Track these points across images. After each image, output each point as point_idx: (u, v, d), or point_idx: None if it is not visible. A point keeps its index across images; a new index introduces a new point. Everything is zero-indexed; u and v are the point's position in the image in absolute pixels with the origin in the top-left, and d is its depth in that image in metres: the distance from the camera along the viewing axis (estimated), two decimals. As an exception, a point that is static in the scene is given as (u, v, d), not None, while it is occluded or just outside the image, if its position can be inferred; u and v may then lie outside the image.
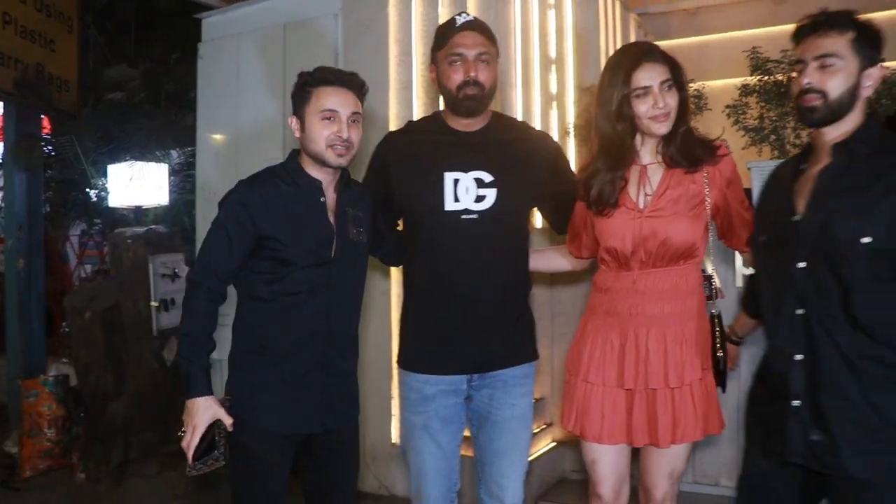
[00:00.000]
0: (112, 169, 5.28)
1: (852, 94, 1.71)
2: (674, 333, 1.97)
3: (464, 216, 2.07)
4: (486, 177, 2.08)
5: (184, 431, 1.90)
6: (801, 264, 1.72)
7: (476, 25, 2.11)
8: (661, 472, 2.06)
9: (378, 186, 2.20)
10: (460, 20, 2.11)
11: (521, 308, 2.21)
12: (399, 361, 2.22)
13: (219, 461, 1.90)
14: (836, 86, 1.70)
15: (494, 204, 2.07)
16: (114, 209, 5.59)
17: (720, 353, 1.99)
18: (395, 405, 3.42)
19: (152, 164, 5.33)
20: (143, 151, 5.74)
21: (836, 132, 1.74)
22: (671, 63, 1.96)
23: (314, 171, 2.00)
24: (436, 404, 2.13)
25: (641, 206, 1.98)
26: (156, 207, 5.50)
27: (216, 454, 1.89)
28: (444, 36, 2.12)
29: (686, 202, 1.97)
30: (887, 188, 1.64)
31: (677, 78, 1.96)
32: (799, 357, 1.72)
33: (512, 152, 2.12)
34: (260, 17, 4.09)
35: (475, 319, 2.11)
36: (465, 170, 2.09)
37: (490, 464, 2.16)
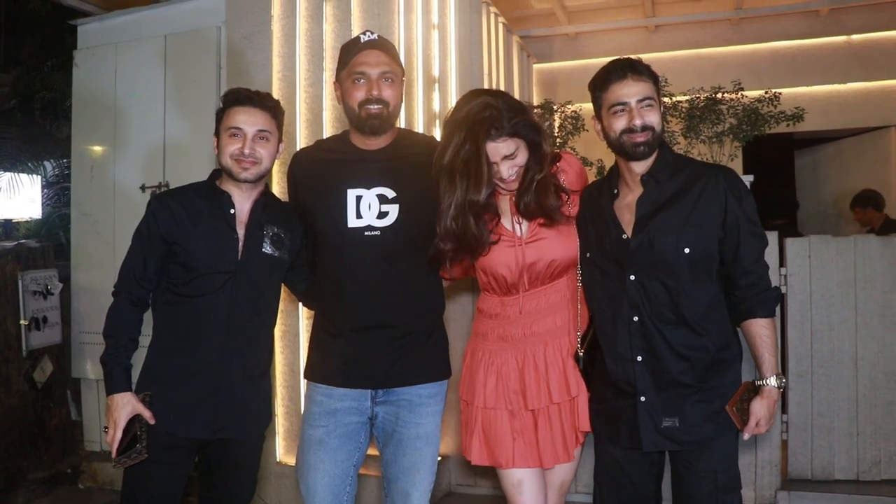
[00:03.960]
0: (-23, 180, 4.98)
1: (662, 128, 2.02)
2: (567, 344, 2.06)
3: (367, 233, 2.07)
4: (389, 193, 2.09)
5: (107, 428, 2.01)
6: (632, 277, 1.97)
7: (379, 44, 2.11)
8: (554, 486, 2.14)
9: (295, 205, 2.24)
10: (364, 38, 2.11)
11: (431, 325, 2.18)
12: (306, 374, 2.22)
13: (141, 454, 2.00)
14: (658, 121, 1.99)
15: (397, 220, 2.07)
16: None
17: (581, 353, 2.06)
18: (280, 423, 3.39)
19: (24, 176, 5.05)
20: (14, 161, 5.42)
21: (644, 164, 2.01)
22: (515, 124, 1.94)
23: (228, 186, 2.15)
24: (336, 420, 2.11)
25: (519, 234, 2.05)
26: (27, 221, 5.20)
27: (138, 447, 2.00)
28: (347, 54, 2.12)
29: (556, 222, 2.06)
30: (693, 201, 1.95)
31: (529, 138, 1.97)
32: (640, 358, 1.97)
33: (416, 169, 2.10)
34: (140, 26, 3.99)
35: (381, 337, 2.10)
36: (368, 186, 2.09)
37: (396, 480, 2.15)
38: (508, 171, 1.97)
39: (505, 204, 2.07)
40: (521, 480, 2.07)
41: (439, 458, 2.93)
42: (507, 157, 1.96)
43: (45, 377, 3.91)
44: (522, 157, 1.98)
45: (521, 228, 2.05)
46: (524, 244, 2.03)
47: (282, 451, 3.41)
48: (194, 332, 2.06)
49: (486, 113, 1.93)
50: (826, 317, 3.27)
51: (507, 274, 2.04)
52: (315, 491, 2.12)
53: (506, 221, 2.06)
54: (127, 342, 2.07)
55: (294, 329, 3.34)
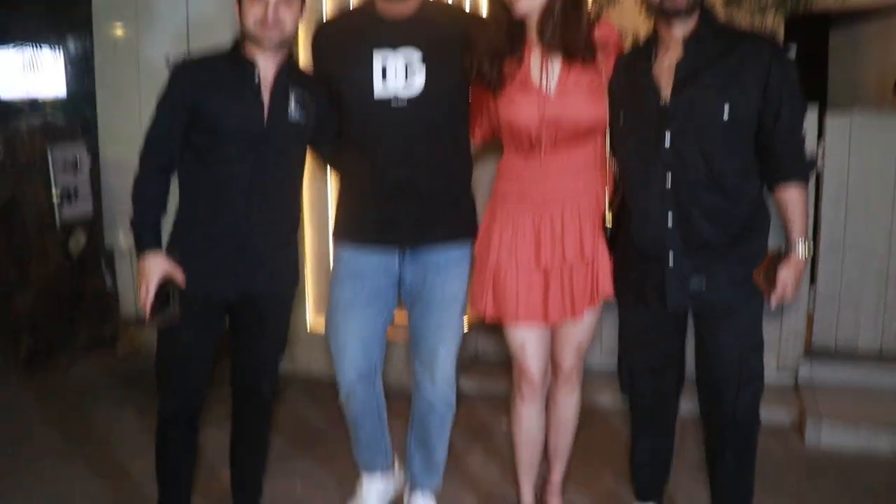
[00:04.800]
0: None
1: None
2: (587, 208, 2.04)
3: (394, 105, 2.05)
4: (416, 54, 2.04)
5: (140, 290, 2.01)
6: (668, 139, 1.93)
7: None
8: (570, 346, 2.17)
9: (321, 76, 2.20)
10: None
11: (458, 192, 2.20)
12: (333, 235, 2.25)
13: (175, 316, 2.00)
14: None
15: (425, 85, 2.04)
16: (5, 102, 5.23)
17: (608, 218, 2.05)
18: (310, 290, 3.46)
19: (47, 52, 4.99)
20: (35, 35, 5.32)
21: (684, 27, 1.92)
22: None
23: (252, 51, 2.09)
24: (363, 280, 2.15)
25: (546, 89, 1.99)
26: (53, 100, 5.17)
27: (171, 309, 1.99)
28: None
29: (587, 82, 2.01)
30: (736, 63, 1.89)
31: None
32: (671, 221, 1.96)
33: (442, 31, 2.07)
34: None
35: (408, 201, 2.10)
36: (394, 47, 2.05)
37: (422, 339, 2.19)
38: None
39: (536, 58, 2.02)
40: (524, 343, 2.12)
41: (466, 328, 2.97)
42: None
43: (79, 248, 3.99)
44: None
45: (548, 84, 1.99)
46: (549, 100, 1.98)
47: (312, 318, 3.49)
48: (220, 197, 2.06)
49: None
50: (863, 192, 3.22)
51: (529, 125, 2.00)
52: (345, 350, 2.18)
53: (535, 74, 2.01)
54: (154, 206, 2.05)
55: (323, 198, 3.35)
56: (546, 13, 1.95)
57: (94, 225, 4.09)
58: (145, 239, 2.02)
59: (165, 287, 2.00)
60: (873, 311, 3.24)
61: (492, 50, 1.99)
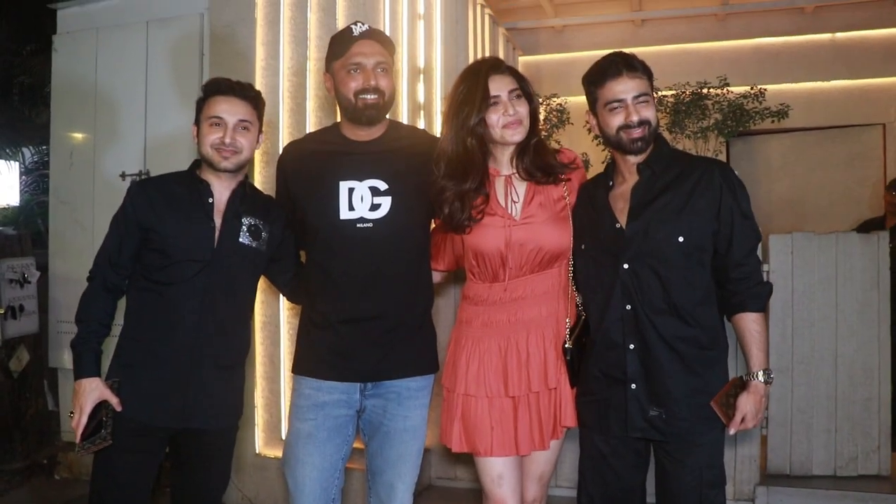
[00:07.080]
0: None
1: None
2: (551, 335, 2.05)
3: (359, 224, 2.07)
4: (381, 185, 2.08)
5: (73, 413, 2.00)
6: (626, 266, 1.97)
7: (374, 35, 2.12)
8: (533, 477, 2.14)
9: (284, 199, 2.23)
10: (357, 30, 2.11)
11: (420, 319, 2.19)
12: (293, 367, 2.21)
13: (106, 440, 1.97)
14: (654, 116, 2.02)
15: (389, 212, 2.07)
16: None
17: (568, 345, 2.05)
18: (260, 414, 3.37)
19: (1, 162, 4.98)
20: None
21: (641, 154, 2.02)
22: (517, 75, 2.08)
23: (207, 175, 2.15)
24: (325, 413, 2.10)
25: (512, 214, 2.05)
26: (5, 208, 5.13)
27: (103, 433, 1.97)
28: (341, 45, 2.11)
29: (551, 207, 2.07)
30: (688, 191, 1.97)
31: (524, 89, 2.06)
32: (632, 346, 1.98)
33: (407, 160, 2.12)
34: (122, 11, 3.92)
35: (371, 329, 2.09)
36: (360, 178, 2.09)
37: (380, 473, 2.15)
38: (513, 108, 2.02)
39: (500, 185, 2.08)
40: (501, 475, 2.06)
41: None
42: (512, 91, 2.03)
43: (21, 366, 3.85)
44: (524, 109, 2.04)
45: (514, 209, 2.05)
46: (515, 225, 2.03)
47: (261, 443, 3.39)
48: (167, 320, 2.05)
49: (491, 58, 2.12)
50: (807, 313, 3.29)
51: (494, 253, 2.03)
52: (304, 485, 2.11)
53: (500, 198, 2.07)
54: (98, 328, 2.05)
55: (275, 320, 3.31)
56: (524, 144, 2.07)
57: (39, 342, 3.97)
58: (85, 364, 2.01)
59: (99, 411, 1.98)
60: (825, 434, 3.26)
61: (460, 195, 2.04)
